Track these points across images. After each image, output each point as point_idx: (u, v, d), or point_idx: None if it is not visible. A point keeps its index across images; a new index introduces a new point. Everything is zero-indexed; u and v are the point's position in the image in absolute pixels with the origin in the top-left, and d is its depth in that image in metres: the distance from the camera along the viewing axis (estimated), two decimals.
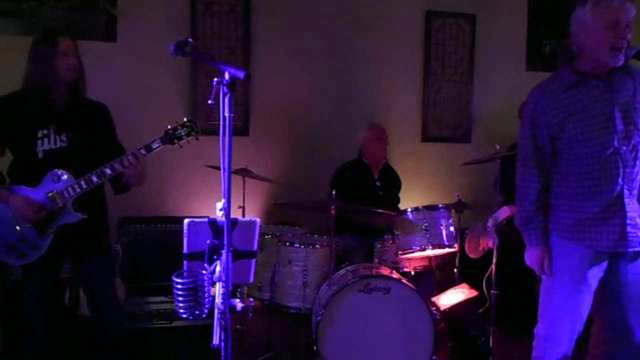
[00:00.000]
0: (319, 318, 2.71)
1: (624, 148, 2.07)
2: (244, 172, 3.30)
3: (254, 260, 1.84)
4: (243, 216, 3.32)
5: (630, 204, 2.08)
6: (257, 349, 3.21)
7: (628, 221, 2.07)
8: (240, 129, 4.12)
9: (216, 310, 1.63)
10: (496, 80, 4.68)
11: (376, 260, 3.03)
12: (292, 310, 3.15)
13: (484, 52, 4.70)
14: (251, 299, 1.79)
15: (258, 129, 4.27)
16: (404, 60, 4.58)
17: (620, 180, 2.07)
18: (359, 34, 4.45)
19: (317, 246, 3.16)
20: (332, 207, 2.89)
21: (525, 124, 2.21)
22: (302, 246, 3.14)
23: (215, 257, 1.66)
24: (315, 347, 2.70)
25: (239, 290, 2.99)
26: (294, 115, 4.34)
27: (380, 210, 3.02)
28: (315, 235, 3.45)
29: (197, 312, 1.61)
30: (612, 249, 2.09)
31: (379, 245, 3.21)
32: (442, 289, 3.27)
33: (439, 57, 4.61)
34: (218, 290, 1.64)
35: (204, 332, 1.82)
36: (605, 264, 2.13)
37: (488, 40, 4.69)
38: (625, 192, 2.07)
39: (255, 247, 1.84)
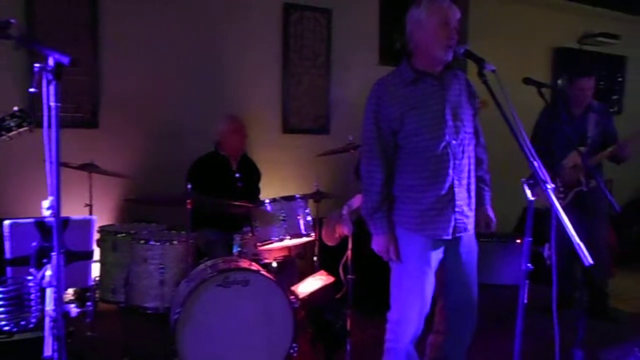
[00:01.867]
0: (175, 316, 2.61)
1: (454, 142, 2.26)
2: (90, 168, 3.07)
3: (90, 262, 1.71)
4: (90, 214, 3.09)
5: (459, 193, 2.28)
6: (113, 355, 3.02)
7: (457, 209, 2.27)
8: (87, 121, 3.84)
9: (47, 319, 1.49)
10: (352, 74, 4.87)
11: (235, 252, 2.99)
12: (149, 311, 3.01)
13: (340, 45, 4.86)
14: (89, 303, 1.65)
15: (109, 121, 4.00)
16: (263, 52, 4.57)
17: (451, 171, 2.25)
18: (217, 24, 4.35)
19: (175, 242, 3.04)
20: (188, 201, 2.80)
21: (368, 116, 2.31)
22: (158, 243, 3.00)
23: (44, 260, 1.50)
24: (173, 347, 2.60)
25: (87, 294, 2.78)
26: (149, 106, 4.13)
27: (237, 203, 2.99)
28: (173, 232, 3.32)
29: (22, 322, 1.45)
30: (448, 236, 2.28)
31: (238, 238, 3.18)
32: (303, 277, 3.34)
33: (297, 50, 4.67)
34: (49, 296, 1.50)
35: (32, 345, 1.65)
36: (442, 248, 2.33)
37: (344, 34, 4.86)
38: (456, 182, 2.27)
39: (91, 247, 1.71)
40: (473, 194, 2.36)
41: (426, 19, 2.21)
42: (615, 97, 6.69)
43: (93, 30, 3.88)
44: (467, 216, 2.32)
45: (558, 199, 3.86)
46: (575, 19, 6.27)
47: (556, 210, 1.84)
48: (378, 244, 2.32)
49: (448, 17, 2.21)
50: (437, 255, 2.32)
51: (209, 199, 3.06)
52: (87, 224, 1.66)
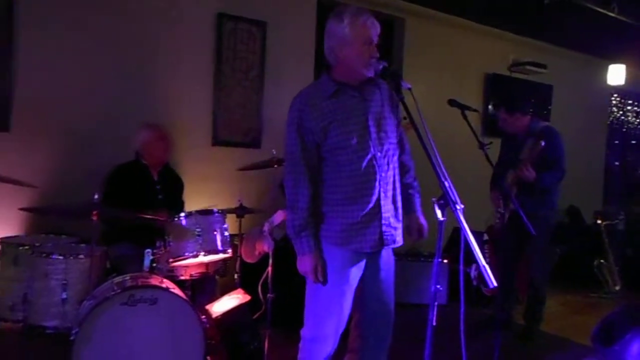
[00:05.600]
0: (73, 337, 2.42)
1: (379, 154, 2.21)
2: None
3: None
4: None
5: (385, 205, 2.23)
6: None
7: (383, 222, 2.22)
8: None
9: None
10: (286, 88, 4.78)
11: (146, 268, 2.83)
12: (49, 331, 2.79)
13: (275, 59, 4.79)
14: None
15: (22, 125, 3.73)
16: (195, 62, 4.43)
17: (377, 184, 2.20)
18: (147, 29, 4.18)
19: (81, 257, 2.85)
20: (94, 212, 2.61)
21: (291, 130, 2.23)
22: (62, 257, 2.80)
23: None
24: None
25: None
26: (67, 111, 3.88)
27: (148, 215, 2.82)
28: (82, 245, 3.11)
29: None
30: (373, 249, 2.23)
31: (150, 253, 3.01)
32: (223, 295, 3.20)
33: (230, 61, 4.56)
34: None
35: None
36: (363, 262, 2.26)
37: (278, 48, 4.79)
38: (382, 194, 2.22)
39: None
40: (399, 204, 2.32)
41: (350, 37, 2.15)
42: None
43: (7, 22, 3.62)
44: (394, 227, 2.27)
45: (497, 218, 3.95)
46: (506, 46, 6.50)
47: (464, 232, 1.82)
48: (304, 264, 2.21)
49: (372, 34, 2.18)
50: (357, 272, 2.26)
51: (117, 211, 2.88)
52: None
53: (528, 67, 6.47)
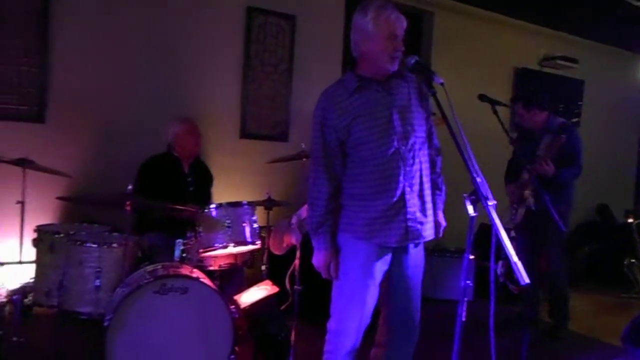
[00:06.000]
0: (107, 323, 2.49)
1: (403, 148, 2.20)
2: (24, 163, 2.91)
3: None
4: (22, 213, 2.93)
5: (411, 199, 2.21)
6: None
7: (409, 216, 2.21)
8: (33, 115, 3.67)
9: None
10: (314, 81, 4.80)
11: (176, 258, 2.88)
12: (83, 317, 2.86)
13: (303, 53, 4.81)
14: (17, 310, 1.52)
15: (57, 116, 3.84)
16: (224, 55, 4.48)
17: (401, 178, 2.19)
18: (178, 23, 4.24)
19: (114, 245, 2.91)
20: (127, 202, 2.67)
21: (315, 129, 2.25)
22: (96, 245, 2.86)
23: None
24: (103, 355, 2.47)
25: (14, 297, 2.62)
26: (101, 103, 3.99)
27: (180, 206, 2.88)
28: (115, 234, 3.18)
29: None
30: (398, 244, 2.22)
31: (181, 243, 3.07)
32: (250, 286, 3.24)
33: (259, 55, 4.60)
34: None
35: None
36: (389, 257, 2.26)
37: (307, 42, 4.81)
38: (407, 189, 2.21)
39: None
40: (428, 199, 2.29)
41: (373, 31, 2.15)
42: (575, 119, 6.83)
43: (44, 19, 3.72)
44: (421, 222, 2.25)
45: (512, 215, 3.91)
46: (537, 40, 6.40)
47: (496, 228, 1.81)
48: (318, 259, 2.25)
49: (396, 28, 2.16)
50: (382, 266, 2.26)
51: (150, 201, 2.94)
52: None
53: (559, 62, 6.36)
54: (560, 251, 3.94)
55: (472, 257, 4.60)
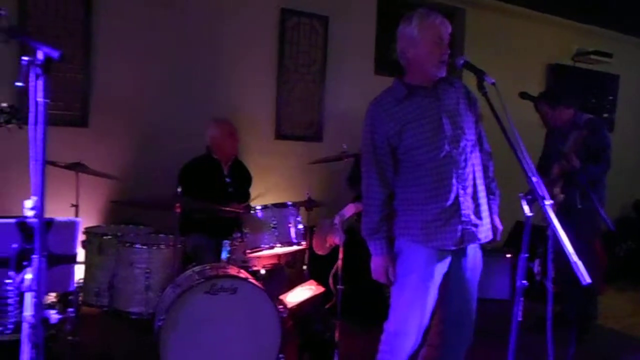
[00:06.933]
0: (160, 323, 2.55)
1: (455, 151, 2.21)
2: (78, 167, 3.00)
3: (73, 266, 1.64)
4: (76, 216, 3.01)
5: (464, 202, 2.22)
6: None
7: (464, 219, 2.21)
8: (77, 120, 3.76)
9: (25, 325, 1.42)
10: (347, 82, 4.84)
11: (223, 259, 2.93)
12: (133, 316, 2.93)
13: (336, 53, 4.83)
14: (71, 309, 1.59)
15: (99, 121, 3.93)
16: (258, 56, 4.53)
17: (454, 181, 2.20)
18: (212, 26, 4.30)
19: (162, 246, 2.98)
20: (177, 204, 2.73)
21: (365, 137, 2.28)
22: (145, 247, 2.93)
23: (25, 263, 1.44)
24: (156, 354, 2.53)
25: (70, 297, 2.70)
26: (141, 107, 4.07)
27: (226, 208, 2.93)
28: (161, 235, 3.25)
29: None
30: (456, 246, 2.23)
31: (227, 244, 3.12)
32: (292, 286, 3.28)
33: (293, 56, 4.63)
34: (28, 301, 1.43)
35: (9, 349, 1.58)
36: (448, 259, 2.26)
37: (340, 43, 4.83)
38: (460, 191, 2.21)
39: (75, 251, 1.64)
40: (483, 201, 2.29)
41: (419, 37, 2.18)
42: (605, 115, 6.72)
43: (86, 27, 3.82)
44: (475, 225, 2.25)
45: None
46: (570, 35, 6.31)
47: (554, 228, 1.81)
48: (376, 265, 2.27)
49: (441, 33, 2.19)
50: (442, 268, 2.26)
51: (198, 203, 3.00)
52: (71, 226, 1.59)
53: (593, 57, 6.26)
54: (587, 249, 3.90)
55: (508, 255, 4.59)
